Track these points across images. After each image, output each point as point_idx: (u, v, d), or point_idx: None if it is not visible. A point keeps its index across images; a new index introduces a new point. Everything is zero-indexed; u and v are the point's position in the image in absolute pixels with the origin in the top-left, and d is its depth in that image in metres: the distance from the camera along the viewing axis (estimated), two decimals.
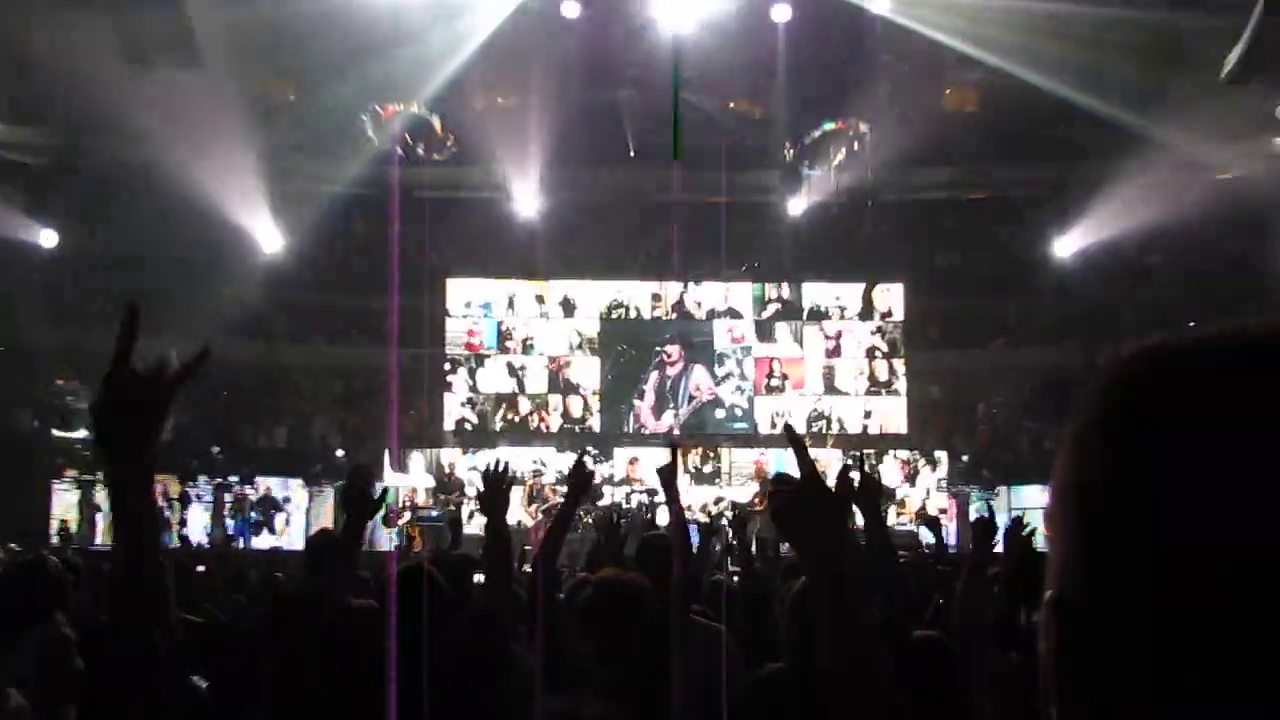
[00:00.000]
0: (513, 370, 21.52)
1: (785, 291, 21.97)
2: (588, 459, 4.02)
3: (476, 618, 3.68)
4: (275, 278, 21.32)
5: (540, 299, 21.78)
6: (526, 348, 21.60)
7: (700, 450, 20.94)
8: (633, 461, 20.52)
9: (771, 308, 21.92)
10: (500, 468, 3.88)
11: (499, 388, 21.54)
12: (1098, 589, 0.71)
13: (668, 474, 4.54)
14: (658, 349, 21.68)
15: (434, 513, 18.83)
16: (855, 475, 4.11)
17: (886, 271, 22.20)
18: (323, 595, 3.50)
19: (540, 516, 17.97)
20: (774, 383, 21.80)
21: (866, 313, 22.00)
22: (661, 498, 19.71)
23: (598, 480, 19.67)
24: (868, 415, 21.71)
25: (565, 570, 11.73)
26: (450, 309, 21.54)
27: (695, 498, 20.10)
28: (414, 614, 3.22)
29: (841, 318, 21.94)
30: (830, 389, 21.78)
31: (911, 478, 20.74)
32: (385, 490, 4.08)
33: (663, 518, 18.78)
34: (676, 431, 21.43)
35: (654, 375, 21.73)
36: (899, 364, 21.79)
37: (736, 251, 22.42)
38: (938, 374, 22.93)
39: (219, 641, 5.14)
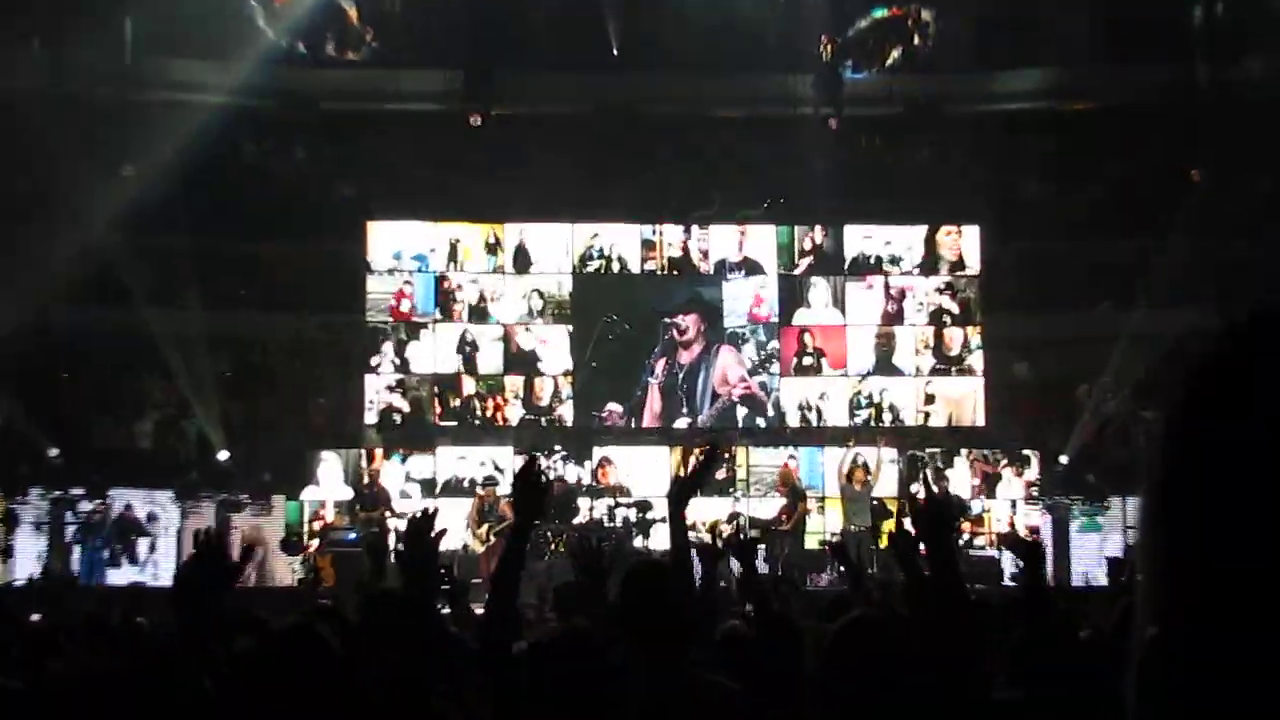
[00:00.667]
0: (461, 343, 21.61)
1: (820, 238, 22.03)
2: (543, 462, 4.02)
3: (388, 684, 3.78)
4: (134, 219, 21.16)
5: (493, 247, 21.77)
6: (481, 314, 21.63)
7: (698, 450, 20.89)
8: (603, 465, 20.57)
9: (804, 262, 21.97)
10: (427, 517, 4.07)
11: (439, 366, 21.57)
12: (1195, 621, 0.71)
13: (679, 497, 4.54)
14: (666, 321, 21.64)
15: (350, 534, 18.89)
16: (919, 490, 4.06)
17: (957, 209, 22.16)
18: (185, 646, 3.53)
19: (493, 540, 17.95)
20: (806, 360, 21.78)
21: (930, 264, 22.04)
22: (656, 514, 19.53)
23: (569, 484, 19.74)
24: (931, 401, 21.74)
25: (532, 612, 11.75)
26: (372, 261, 21.55)
27: (701, 512, 20.06)
28: (292, 692, 3.32)
29: (896, 271, 21.99)
30: (884, 366, 21.82)
31: (990, 486, 20.89)
32: (247, 551, 4.14)
33: (659, 540, 18.73)
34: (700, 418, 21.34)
35: (660, 364, 21.67)
36: (973, 333, 21.84)
37: (755, 183, 22.49)
38: (1026, 346, 22.94)
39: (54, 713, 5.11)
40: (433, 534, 4.04)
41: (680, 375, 21.62)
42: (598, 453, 20.74)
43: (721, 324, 21.73)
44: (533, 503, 4.16)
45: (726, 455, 20.10)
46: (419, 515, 4.12)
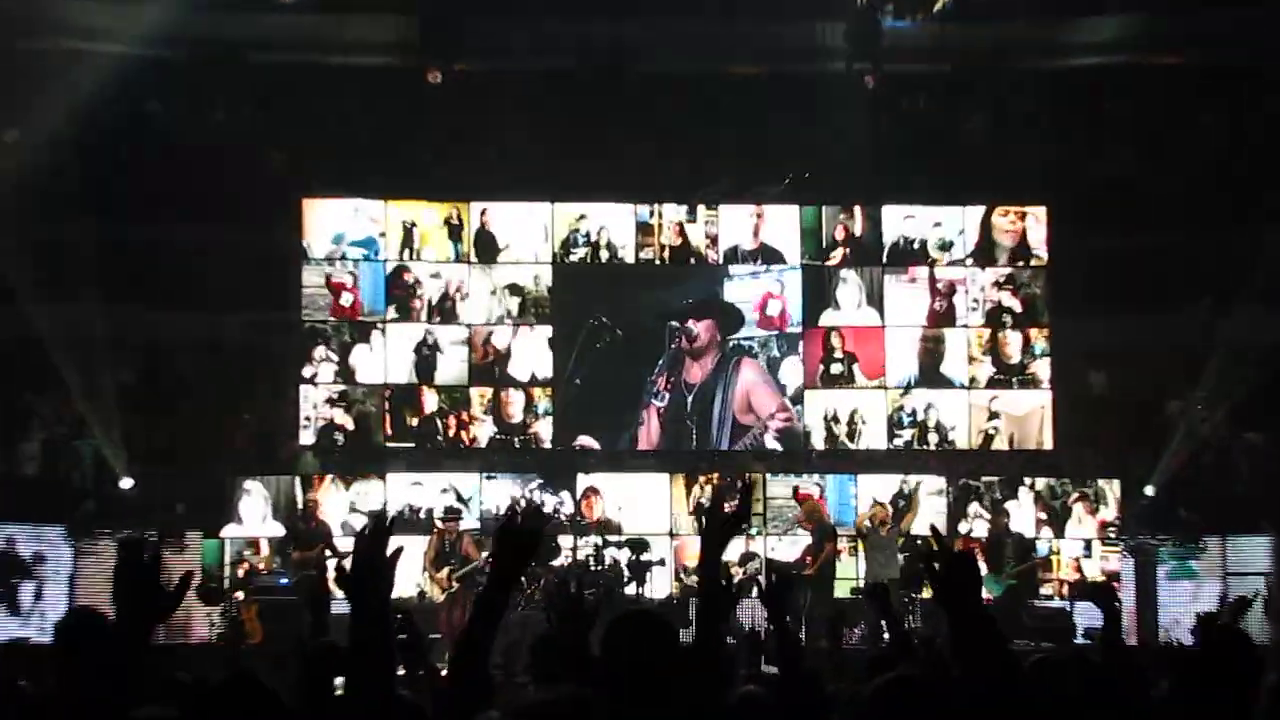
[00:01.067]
0: (421, 346, 21.60)
1: (858, 223, 22.09)
2: (532, 508, 4.02)
3: None
4: (18, 196, 20.63)
5: (456, 230, 21.72)
6: (447, 314, 21.63)
7: (714, 479, 20.94)
8: (589, 495, 20.58)
9: (838, 253, 21.98)
10: (382, 522, 3.99)
11: (391, 375, 21.56)
12: None
13: (719, 539, 4.63)
14: (673, 325, 21.50)
15: (281, 579, 18.91)
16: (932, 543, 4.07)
17: (1020, 186, 22.20)
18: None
19: (456, 587, 17.97)
20: (834, 368, 21.74)
21: (986, 252, 22.08)
22: (653, 555, 19.70)
23: (547, 517, 19.42)
24: (993, 418, 21.74)
25: (499, 674, 11.44)
26: (309, 247, 21.55)
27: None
28: None
29: (945, 260, 21.99)
30: (930, 376, 21.78)
31: (1059, 522, 21.01)
32: (187, 577, 4.21)
33: (657, 586, 19.05)
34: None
35: (663, 381, 21.66)
36: (1039, 336, 21.96)
37: (775, 154, 22.50)
38: (1104, 353, 22.85)
39: None
40: (389, 549, 3.93)
41: (689, 398, 21.52)
42: (582, 481, 20.71)
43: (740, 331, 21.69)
44: (515, 559, 4.13)
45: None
46: (373, 518, 3.98)
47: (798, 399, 21.60)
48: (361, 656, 3.83)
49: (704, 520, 4.86)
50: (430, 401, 21.53)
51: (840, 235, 22.00)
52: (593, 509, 20.46)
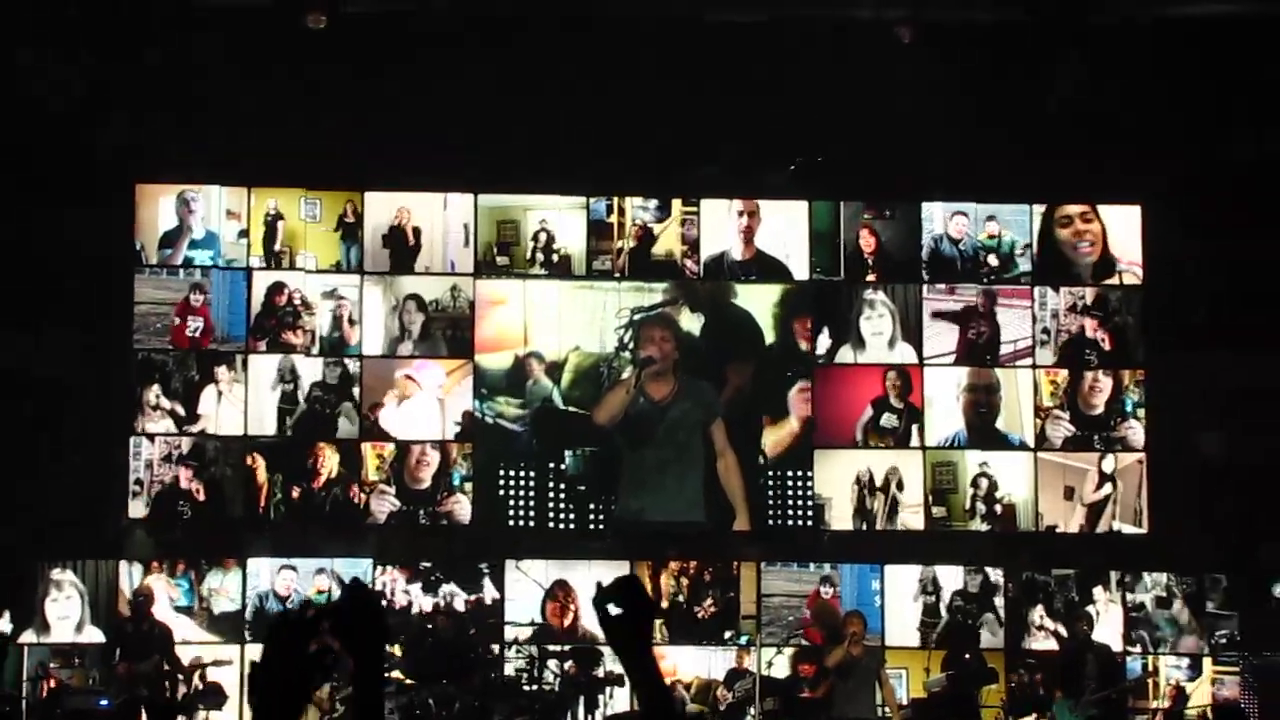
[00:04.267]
0: (286, 382, 21.79)
1: (886, 228, 22.50)
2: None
3: None
4: None
5: (351, 229, 22.03)
6: (337, 345, 21.90)
7: (678, 565, 21.50)
8: (558, 594, 20.87)
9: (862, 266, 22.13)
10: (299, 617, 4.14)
11: (259, 423, 21.80)
12: None
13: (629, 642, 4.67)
14: (627, 349, 21.97)
15: (100, 700, 18.80)
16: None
17: (1104, 177, 22.36)
18: None
19: (341, 711, 18.24)
20: (887, 419, 22.14)
21: (1054, 266, 22.53)
22: (607, 670, 19.70)
23: (463, 618, 20.05)
24: (1070, 496, 21.93)
25: None
26: (144, 249, 21.73)
27: (681, 666, 20.74)
28: None
29: (999, 276, 22.32)
30: (983, 433, 22.07)
31: (1157, 631, 21.38)
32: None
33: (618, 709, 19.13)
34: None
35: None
36: (1131, 382, 22.28)
37: (777, 130, 22.48)
38: (1220, 406, 22.66)
39: None
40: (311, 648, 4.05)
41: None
42: (532, 572, 21.08)
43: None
44: (364, 632, 4.22)
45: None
46: (291, 612, 4.17)
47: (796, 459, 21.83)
48: None
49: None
50: (328, 461, 21.71)
51: (865, 242, 22.31)
52: (563, 615, 20.91)
